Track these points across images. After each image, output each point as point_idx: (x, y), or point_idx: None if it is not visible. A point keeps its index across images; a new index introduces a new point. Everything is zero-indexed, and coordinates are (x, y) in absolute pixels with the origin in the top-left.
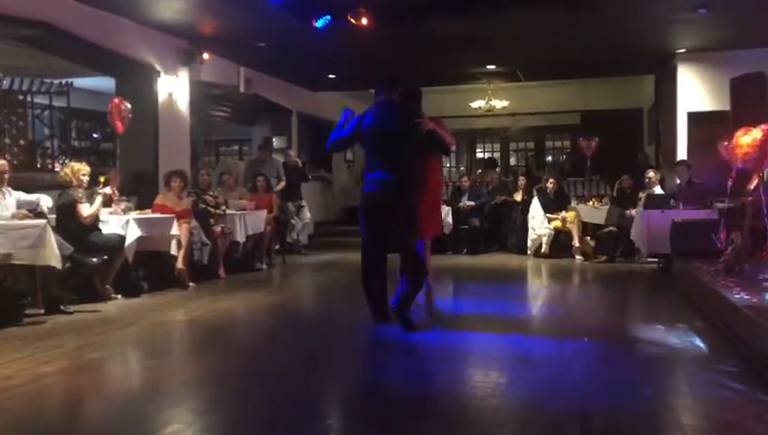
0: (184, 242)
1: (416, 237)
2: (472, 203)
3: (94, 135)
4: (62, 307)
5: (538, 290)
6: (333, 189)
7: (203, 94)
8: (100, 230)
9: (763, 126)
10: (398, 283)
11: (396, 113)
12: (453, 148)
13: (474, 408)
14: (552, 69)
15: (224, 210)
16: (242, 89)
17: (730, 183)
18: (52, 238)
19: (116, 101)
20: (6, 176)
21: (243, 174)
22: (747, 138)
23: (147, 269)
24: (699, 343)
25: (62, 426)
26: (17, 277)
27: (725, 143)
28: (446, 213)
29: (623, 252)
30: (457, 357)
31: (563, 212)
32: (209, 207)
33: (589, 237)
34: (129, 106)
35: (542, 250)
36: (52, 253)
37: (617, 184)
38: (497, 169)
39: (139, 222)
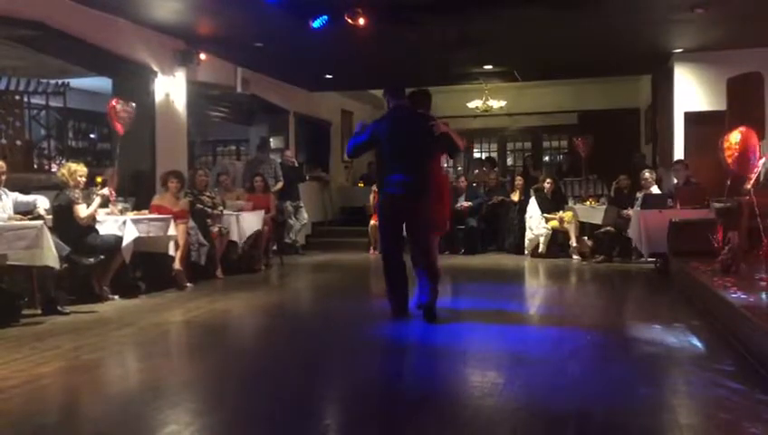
0: (181, 243)
1: (432, 234)
2: (469, 203)
3: (91, 135)
4: (59, 308)
5: (535, 290)
6: (331, 190)
7: (200, 95)
8: (97, 231)
9: (741, 128)
10: (418, 284)
11: (411, 117)
12: (463, 149)
13: (471, 407)
14: (549, 69)
15: (221, 211)
16: (239, 89)
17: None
18: (49, 239)
19: (112, 103)
20: (4, 177)
21: (240, 174)
22: (730, 141)
23: (144, 270)
24: (697, 342)
25: (59, 427)
26: (14, 278)
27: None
28: None
29: (620, 252)
30: (455, 356)
31: (560, 212)
32: (206, 208)
33: (586, 237)
34: (130, 106)
35: (540, 250)
36: (50, 253)
37: (614, 184)
38: (495, 169)
39: (137, 223)
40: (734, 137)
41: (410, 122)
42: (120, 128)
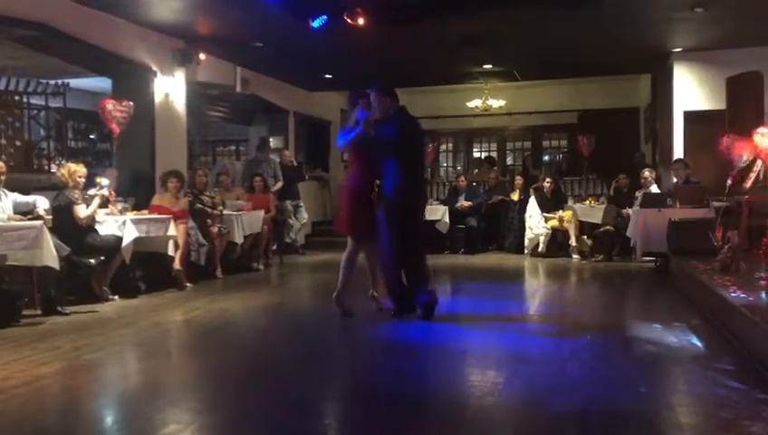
0: (181, 242)
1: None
2: (469, 203)
3: (91, 136)
4: (59, 308)
5: (535, 289)
6: (331, 189)
7: (199, 94)
8: (96, 231)
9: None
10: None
11: (415, 122)
12: None
13: (471, 407)
14: (549, 68)
15: (221, 211)
16: (238, 89)
17: (729, 181)
18: (48, 239)
19: (104, 104)
20: (3, 178)
21: (240, 174)
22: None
23: (144, 270)
24: (696, 341)
25: (60, 427)
26: (14, 278)
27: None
28: (443, 213)
29: (620, 251)
30: (455, 356)
31: (560, 211)
32: (206, 208)
33: (586, 236)
34: (124, 105)
35: (540, 249)
36: (49, 254)
37: (613, 183)
38: (494, 169)
39: (136, 223)
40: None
41: (416, 127)
42: (115, 128)
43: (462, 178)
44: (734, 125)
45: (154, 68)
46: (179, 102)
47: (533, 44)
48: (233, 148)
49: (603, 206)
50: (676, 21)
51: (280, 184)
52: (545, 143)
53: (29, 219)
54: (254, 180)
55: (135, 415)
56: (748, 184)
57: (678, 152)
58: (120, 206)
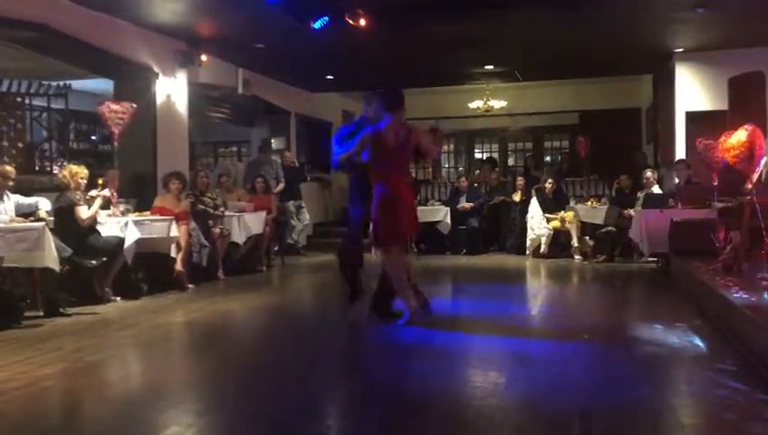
0: (183, 244)
1: None
2: (470, 204)
3: (92, 137)
4: (60, 310)
5: (537, 290)
6: (332, 190)
7: (201, 96)
8: (98, 232)
9: (746, 126)
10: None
11: None
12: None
13: (473, 408)
14: (551, 69)
15: (222, 212)
16: (240, 90)
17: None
18: (50, 241)
19: (101, 109)
20: (11, 183)
21: (242, 175)
22: (733, 139)
23: (146, 271)
24: (698, 342)
25: (61, 429)
26: (16, 280)
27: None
28: (445, 214)
29: (622, 252)
30: (457, 357)
31: (562, 212)
32: (208, 209)
33: (587, 237)
34: (122, 105)
35: (541, 250)
36: (51, 255)
37: (615, 184)
38: (496, 170)
39: (138, 224)
40: (740, 136)
41: None
42: (114, 130)
43: (463, 179)
44: (735, 126)
45: (156, 69)
46: (181, 104)
47: (535, 45)
48: (234, 149)
49: (605, 206)
50: (678, 21)
51: (282, 185)
52: (547, 144)
53: (31, 221)
54: (256, 181)
55: (136, 417)
56: (749, 184)
57: (680, 153)
58: (121, 207)
